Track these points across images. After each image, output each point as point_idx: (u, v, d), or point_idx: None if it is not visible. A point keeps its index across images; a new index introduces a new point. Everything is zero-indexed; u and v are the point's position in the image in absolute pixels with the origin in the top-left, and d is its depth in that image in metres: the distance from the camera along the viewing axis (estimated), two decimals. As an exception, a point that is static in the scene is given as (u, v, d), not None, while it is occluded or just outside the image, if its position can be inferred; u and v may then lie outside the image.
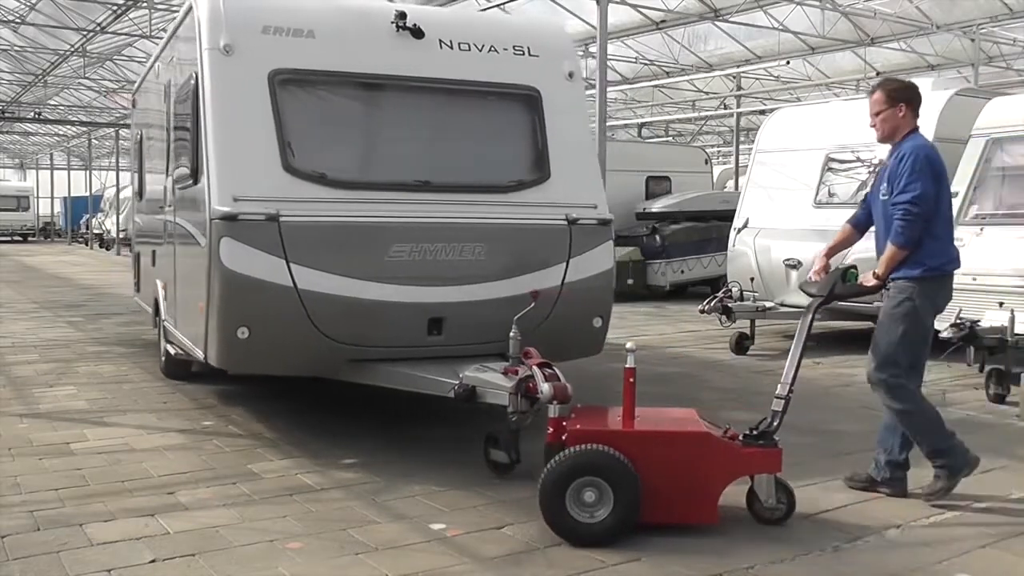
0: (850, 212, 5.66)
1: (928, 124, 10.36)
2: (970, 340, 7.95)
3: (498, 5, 17.46)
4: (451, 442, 6.57)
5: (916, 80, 6.05)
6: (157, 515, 4.92)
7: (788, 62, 22.79)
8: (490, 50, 6.86)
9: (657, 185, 18.72)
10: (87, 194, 46.05)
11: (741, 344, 10.67)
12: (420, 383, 6.11)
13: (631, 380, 4.78)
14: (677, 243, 17.00)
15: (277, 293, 5.93)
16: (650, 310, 15.34)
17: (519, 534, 4.68)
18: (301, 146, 6.29)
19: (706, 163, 20.52)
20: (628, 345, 4.83)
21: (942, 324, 8.72)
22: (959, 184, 9.71)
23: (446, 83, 6.76)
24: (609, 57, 13.82)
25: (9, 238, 46.10)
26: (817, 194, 11.31)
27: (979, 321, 8.12)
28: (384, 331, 6.13)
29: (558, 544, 4.52)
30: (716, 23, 21.03)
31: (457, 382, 5.74)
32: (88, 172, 49.63)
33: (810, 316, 5.20)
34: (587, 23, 20.76)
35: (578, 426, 4.77)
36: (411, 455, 6.14)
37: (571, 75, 7.08)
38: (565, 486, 4.49)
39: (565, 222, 6.70)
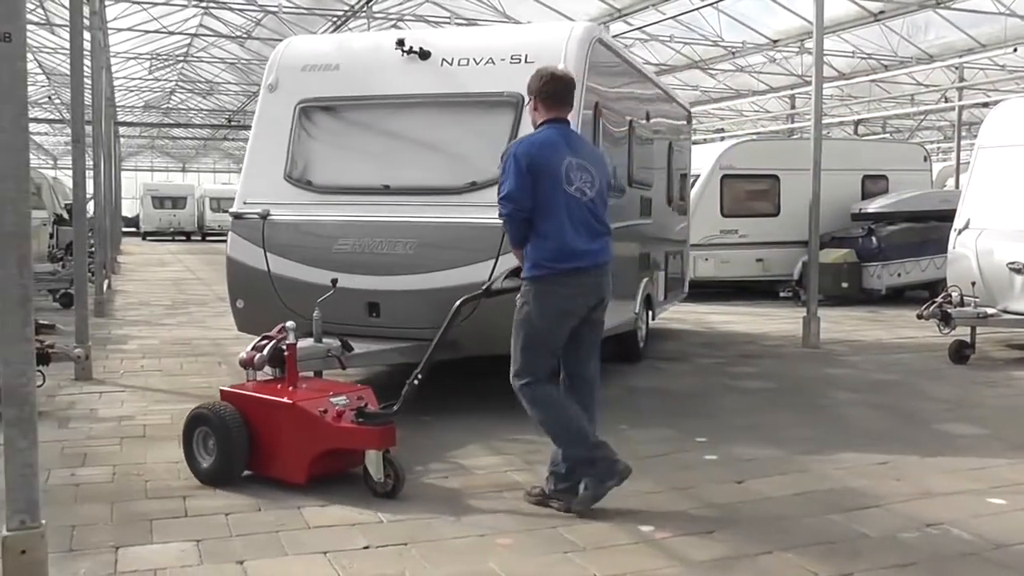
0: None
1: None
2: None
3: (711, 4, 17.33)
4: (663, 443, 6.56)
5: None
6: (372, 504, 5.08)
7: (1015, 50, 21.48)
8: (487, 62, 7.56)
9: (873, 184, 18.15)
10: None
11: (961, 353, 10.14)
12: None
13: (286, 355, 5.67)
14: (894, 245, 16.39)
15: (257, 275, 7.61)
16: (864, 315, 14.82)
17: (729, 539, 4.62)
18: (302, 159, 7.83)
19: (925, 160, 19.69)
20: (288, 324, 5.69)
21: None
22: None
23: (439, 97, 7.64)
24: (825, 52, 13.38)
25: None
26: (1047, 192, 10.61)
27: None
28: (333, 310, 6.64)
29: (768, 552, 4.43)
30: (937, 11, 20.10)
31: None
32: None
33: (455, 306, 5.25)
34: (803, 18, 20.26)
35: (226, 388, 5.75)
36: (623, 455, 6.11)
37: None
38: (191, 433, 5.54)
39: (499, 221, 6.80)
